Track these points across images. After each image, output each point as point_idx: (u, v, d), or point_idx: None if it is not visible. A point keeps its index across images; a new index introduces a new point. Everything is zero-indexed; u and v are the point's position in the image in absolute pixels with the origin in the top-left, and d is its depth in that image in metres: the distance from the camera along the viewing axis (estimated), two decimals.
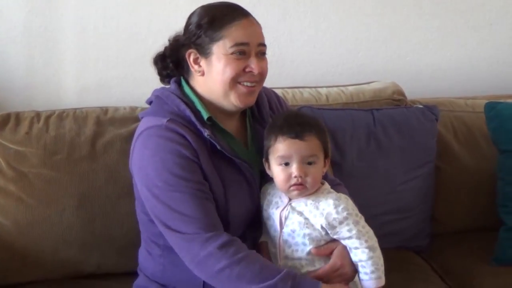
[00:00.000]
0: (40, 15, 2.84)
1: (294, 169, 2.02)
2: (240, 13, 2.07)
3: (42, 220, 2.41)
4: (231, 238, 1.96)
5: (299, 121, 2.06)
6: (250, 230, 2.19)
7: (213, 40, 2.04)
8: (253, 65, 2.05)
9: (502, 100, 2.90)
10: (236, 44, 2.03)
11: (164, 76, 2.21)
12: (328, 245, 2.06)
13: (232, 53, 2.03)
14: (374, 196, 2.63)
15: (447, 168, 2.88)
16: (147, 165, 2.03)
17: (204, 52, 2.06)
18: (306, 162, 2.03)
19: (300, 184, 2.02)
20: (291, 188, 2.03)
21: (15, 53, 2.86)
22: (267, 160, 2.09)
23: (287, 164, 2.03)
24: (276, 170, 2.05)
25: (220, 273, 1.93)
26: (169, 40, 2.18)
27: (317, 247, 2.05)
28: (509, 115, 2.76)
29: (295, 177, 2.01)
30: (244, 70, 2.05)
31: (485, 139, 2.87)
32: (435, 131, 2.81)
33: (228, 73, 2.04)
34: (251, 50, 2.05)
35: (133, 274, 2.31)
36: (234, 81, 2.05)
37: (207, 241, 1.94)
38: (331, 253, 2.06)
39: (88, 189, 2.45)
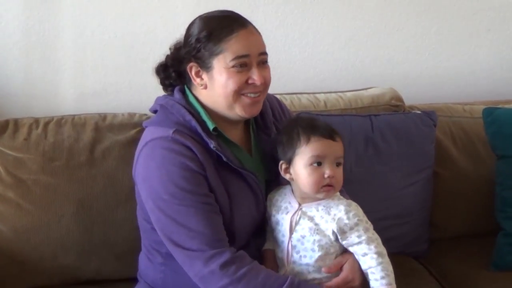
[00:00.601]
0: (39, 22, 2.84)
1: (327, 169, 2.02)
2: (238, 24, 2.03)
3: (40, 226, 2.42)
4: (234, 256, 1.96)
5: (324, 123, 2.08)
6: (254, 237, 2.19)
7: (213, 54, 2.02)
8: (255, 76, 2.03)
9: (500, 106, 2.91)
10: (237, 57, 2.00)
11: (167, 85, 2.20)
12: (338, 260, 2.07)
13: (233, 66, 2.00)
14: (372, 201, 2.61)
15: (445, 173, 2.88)
16: (152, 177, 2.02)
17: (205, 66, 2.04)
18: (336, 163, 2.04)
19: (331, 185, 2.03)
20: (322, 189, 2.03)
21: (13, 60, 2.86)
22: (289, 162, 2.08)
23: (319, 164, 2.03)
24: (306, 171, 2.04)
25: None
26: (170, 49, 2.17)
27: (328, 266, 2.05)
28: (507, 121, 2.76)
29: (329, 177, 2.02)
30: (246, 82, 2.03)
31: (483, 145, 2.87)
32: (433, 137, 2.81)
33: (231, 86, 2.02)
34: (252, 61, 2.03)
35: (132, 280, 2.31)
36: (237, 94, 2.04)
37: (210, 259, 1.95)
38: (341, 268, 2.07)
39: (87, 196, 2.46)
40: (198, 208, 1.98)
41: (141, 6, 2.91)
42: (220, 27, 2.02)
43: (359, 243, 2.03)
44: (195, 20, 2.11)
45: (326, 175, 2.01)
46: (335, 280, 2.04)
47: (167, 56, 2.17)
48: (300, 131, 2.05)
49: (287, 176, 2.10)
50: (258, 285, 1.93)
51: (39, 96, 2.91)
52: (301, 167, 2.04)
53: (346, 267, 2.06)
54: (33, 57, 2.88)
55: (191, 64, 2.06)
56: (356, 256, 2.06)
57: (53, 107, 2.88)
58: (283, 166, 2.09)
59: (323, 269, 2.05)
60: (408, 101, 2.99)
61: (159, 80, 2.20)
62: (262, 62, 2.07)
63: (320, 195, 2.05)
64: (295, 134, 2.05)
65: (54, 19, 2.86)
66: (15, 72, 2.87)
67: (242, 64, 2.01)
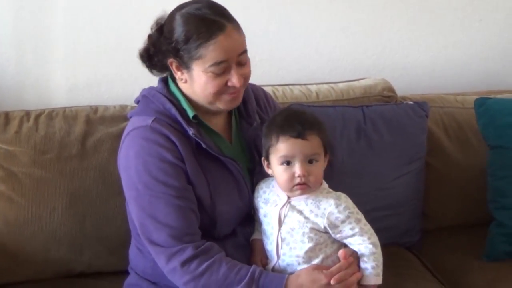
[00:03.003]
0: (30, 14, 2.83)
1: (297, 168, 2.01)
2: (216, 28, 1.98)
3: (32, 219, 2.41)
4: (196, 252, 1.98)
5: (300, 119, 2.04)
6: (241, 226, 2.19)
7: (191, 58, 2.00)
8: (234, 79, 2.02)
9: (492, 96, 2.90)
10: (215, 64, 1.99)
11: (153, 69, 2.18)
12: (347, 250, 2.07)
13: (211, 72, 2.00)
14: (364, 192, 2.63)
15: (438, 164, 2.89)
16: (130, 167, 2.04)
17: (184, 65, 2.04)
18: (308, 161, 2.02)
19: (304, 183, 2.02)
20: (294, 187, 2.03)
21: (4, 53, 2.84)
22: (267, 159, 2.09)
23: (289, 163, 2.02)
24: (278, 170, 2.04)
25: (186, 285, 1.99)
26: (151, 29, 2.13)
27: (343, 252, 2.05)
28: (498, 111, 2.76)
29: (299, 176, 2.01)
30: (226, 84, 2.03)
31: (475, 135, 2.87)
32: (425, 127, 2.81)
33: (209, 90, 2.03)
34: (231, 64, 2.02)
35: (124, 273, 2.32)
36: (217, 95, 2.05)
37: (172, 256, 1.98)
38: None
39: (79, 188, 2.46)
40: (169, 200, 2.00)
41: (130, 1, 2.91)
42: (197, 32, 1.98)
43: (353, 235, 2.03)
44: (175, 14, 2.06)
45: (296, 175, 2.01)
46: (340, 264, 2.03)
47: (150, 37, 2.13)
48: (273, 130, 2.04)
49: (269, 172, 2.10)
50: (220, 279, 1.96)
51: (30, 88, 2.90)
52: (275, 165, 2.05)
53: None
54: (24, 49, 2.86)
55: (171, 60, 2.06)
56: (351, 247, 2.06)
57: (44, 100, 2.87)
58: (265, 162, 2.10)
59: (340, 252, 2.04)
60: (400, 92, 2.99)
61: (144, 66, 2.18)
62: (243, 62, 2.06)
63: (294, 194, 2.06)
64: (269, 133, 2.05)
65: (46, 11, 2.84)
66: (5, 64, 2.86)
67: (221, 70, 2.01)
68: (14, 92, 2.88)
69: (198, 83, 2.04)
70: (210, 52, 1.98)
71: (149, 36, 2.14)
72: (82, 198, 2.46)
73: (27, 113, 2.54)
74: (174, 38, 2.02)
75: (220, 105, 2.08)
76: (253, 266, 2.01)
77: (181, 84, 2.12)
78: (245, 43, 2.07)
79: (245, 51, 2.06)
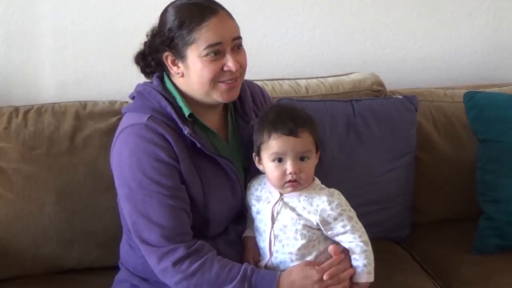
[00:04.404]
0: (18, 10, 2.82)
1: (288, 165, 2.01)
2: (209, 12, 2.02)
3: (21, 215, 2.41)
4: (187, 252, 1.98)
5: (292, 116, 2.04)
6: (233, 224, 2.20)
7: (186, 43, 2.01)
8: (230, 63, 2.02)
9: (481, 90, 2.91)
10: (209, 46, 2.00)
11: (148, 73, 2.19)
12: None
13: (206, 55, 2.00)
14: (354, 187, 2.63)
15: (427, 158, 2.89)
16: (124, 164, 2.03)
17: (179, 55, 2.04)
18: (300, 158, 2.02)
19: (295, 181, 2.02)
20: (286, 184, 2.03)
21: None
22: (258, 155, 2.08)
23: (280, 160, 2.02)
24: (270, 167, 2.04)
25: (178, 284, 1.99)
26: (147, 36, 2.16)
27: (333, 247, 2.05)
28: (487, 105, 2.77)
29: (290, 174, 2.01)
30: (222, 69, 2.03)
31: (464, 129, 2.88)
32: (415, 121, 2.81)
33: (206, 75, 2.02)
34: (226, 47, 2.02)
35: (115, 268, 2.32)
36: (214, 82, 2.04)
37: (164, 256, 1.98)
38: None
39: (68, 184, 2.45)
40: (162, 200, 1.99)
41: None
42: (190, 16, 2.01)
43: (344, 232, 2.03)
44: (167, 8, 2.10)
45: (287, 172, 2.01)
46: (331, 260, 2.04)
47: (145, 43, 2.16)
48: (264, 127, 2.04)
49: (260, 168, 2.10)
50: (212, 278, 1.96)
51: (19, 84, 2.89)
52: (266, 162, 2.05)
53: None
54: (12, 46, 2.86)
55: (166, 53, 2.07)
56: (342, 244, 2.06)
57: (33, 96, 2.87)
58: (256, 158, 2.10)
59: (330, 248, 2.04)
60: (389, 86, 3.00)
61: (139, 69, 2.19)
62: (237, 46, 2.06)
63: (285, 190, 2.06)
64: (261, 129, 2.05)
65: (34, 7, 2.84)
66: None
67: (216, 52, 2.01)
68: (2, 88, 2.88)
69: (194, 71, 2.03)
70: (204, 35, 1.99)
71: (145, 42, 2.16)
72: (72, 194, 2.45)
73: (16, 109, 2.54)
74: (168, 27, 2.04)
75: (217, 96, 2.07)
76: (245, 264, 2.01)
77: (177, 79, 2.11)
78: (239, 31, 2.08)
79: (239, 38, 2.07)
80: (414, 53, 3.31)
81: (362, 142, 2.72)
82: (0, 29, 2.83)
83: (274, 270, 2.05)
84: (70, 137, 2.50)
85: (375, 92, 2.92)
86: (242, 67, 2.08)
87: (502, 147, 2.69)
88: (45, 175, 2.44)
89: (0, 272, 2.44)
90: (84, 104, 2.60)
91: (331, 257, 2.04)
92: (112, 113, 2.54)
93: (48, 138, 2.48)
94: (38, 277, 2.47)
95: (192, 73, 2.04)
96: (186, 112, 2.07)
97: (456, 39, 3.35)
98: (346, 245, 2.05)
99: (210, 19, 2.00)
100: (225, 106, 2.22)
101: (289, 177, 2.01)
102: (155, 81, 2.14)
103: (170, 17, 2.05)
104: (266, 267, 2.09)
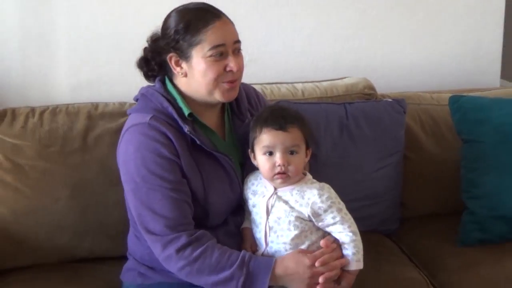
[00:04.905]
0: (35, 17, 2.83)
1: (277, 158, 2.02)
2: (213, 15, 2.04)
3: (37, 208, 2.41)
4: (190, 239, 1.98)
5: (283, 114, 2.05)
6: (232, 216, 2.20)
7: (191, 44, 2.02)
8: (232, 64, 2.04)
9: (465, 94, 2.91)
10: (214, 47, 2.01)
11: (150, 77, 2.20)
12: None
13: (210, 56, 2.01)
14: (347, 184, 2.63)
15: (415, 157, 2.88)
16: (129, 161, 2.04)
17: (184, 55, 2.05)
18: (289, 152, 2.03)
19: (284, 172, 2.02)
20: (275, 176, 2.03)
21: (11, 53, 2.85)
22: (253, 150, 2.09)
23: (271, 153, 2.03)
24: (261, 160, 2.05)
25: (181, 270, 1.99)
26: (147, 41, 2.16)
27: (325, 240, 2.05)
28: (471, 108, 2.77)
29: (279, 165, 2.01)
30: (224, 69, 2.04)
31: (449, 130, 2.87)
32: (403, 123, 2.81)
33: (210, 75, 2.03)
34: (228, 49, 2.04)
35: (123, 258, 2.32)
36: (216, 81, 2.05)
37: (168, 244, 1.99)
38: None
39: (81, 180, 2.45)
40: (165, 193, 2.00)
41: (130, 4, 2.92)
42: (197, 19, 2.02)
43: (334, 223, 2.04)
44: (171, 13, 2.11)
45: (277, 164, 2.02)
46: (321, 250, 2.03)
47: (146, 49, 2.17)
48: (258, 123, 2.06)
49: (255, 163, 2.11)
50: (213, 263, 1.97)
51: (35, 86, 2.90)
52: (258, 155, 2.07)
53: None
54: (29, 51, 2.87)
55: (170, 54, 2.07)
56: (333, 234, 2.06)
57: (48, 97, 2.87)
58: (251, 154, 2.11)
59: (321, 242, 2.04)
60: (380, 89, 2.99)
61: (142, 73, 2.20)
62: (237, 50, 2.08)
63: (275, 182, 2.07)
64: (255, 126, 2.07)
65: (50, 15, 2.85)
66: (12, 64, 2.87)
67: (219, 53, 2.02)
68: (20, 90, 2.89)
69: (197, 71, 2.04)
70: (209, 36, 2.00)
71: (145, 48, 2.17)
72: (84, 189, 2.45)
73: (32, 110, 2.54)
74: (173, 30, 2.05)
75: (218, 96, 2.07)
76: (243, 251, 2.01)
77: (180, 80, 2.11)
78: (238, 35, 2.09)
79: (239, 41, 2.08)
80: (403, 59, 3.32)
81: (354, 142, 2.72)
82: (18, 36, 2.84)
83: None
84: (83, 136, 2.49)
85: (366, 96, 2.92)
86: (240, 70, 2.09)
87: (484, 147, 2.69)
88: (59, 171, 2.44)
89: (18, 260, 2.45)
90: (95, 105, 2.59)
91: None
92: (121, 113, 2.54)
93: (62, 136, 2.48)
94: (53, 265, 2.47)
95: (196, 73, 2.05)
96: (186, 111, 2.08)
97: (442, 47, 3.36)
98: (336, 235, 2.05)
99: (215, 22, 2.02)
100: (222, 106, 2.23)
101: (278, 169, 2.02)
102: (157, 84, 2.15)
103: (175, 20, 2.06)
104: (262, 256, 2.09)
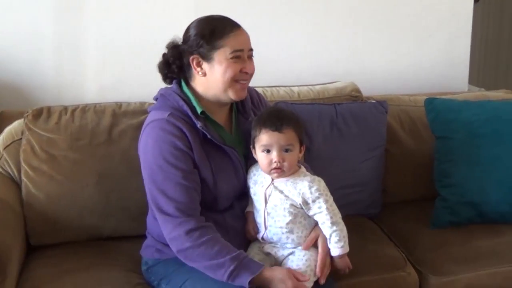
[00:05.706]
0: (67, 28, 2.85)
1: (274, 155, 2.04)
2: (234, 25, 2.08)
3: (69, 193, 2.42)
4: (199, 225, 1.99)
5: (279, 116, 2.07)
6: (238, 200, 2.21)
7: (214, 48, 2.05)
8: (248, 66, 2.08)
9: (438, 97, 2.90)
10: (235, 51, 2.05)
11: (168, 78, 2.21)
12: (311, 236, 2.09)
13: (231, 58, 2.05)
14: (336, 173, 2.63)
15: (395, 151, 2.88)
16: (148, 151, 2.06)
17: (206, 57, 2.07)
18: (284, 150, 2.04)
19: (279, 168, 2.04)
20: (272, 171, 2.06)
21: (47, 59, 2.86)
22: (254, 147, 2.11)
23: (268, 151, 2.05)
24: (260, 156, 2.07)
25: (185, 251, 1.98)
26: (167, 47, 2.18)
27: (305, 243, 2.07)
28: (443, 109, 2.77)
29: (275, 162, 2.03)
30: (240, 71, 2.07)
31: (425, 128, 2.86)
32: (385, 121, 2.81)
33: (229, 74, 2.06)
34: (244, 54, 2.08)
35: (143, 237, 2.32)
36: (233, 80, 2.07)
37: (179, 225, 1.98)
38: (314, 241, 2.09)
39: (106, 169, 2.46)
40: (178, 181, 2.01)
41: (149, 17, 2.93)
42: (222, 27, 2.06)
43: (320, 213, 2.06)
44: (193, 22, 2.13)
45: (273, 160, 2.04)
46: (320, 255, 2.05)
47: (165, 54, 2.18)
48: (257, 124, 2.07)
49: (255, 158, 2.12)
50: (213, 253, 1.95)
51: (67, 88, 2.91)
52: (258, 152, 2.08)
53: (321, 242, 2.08)
54: (63, 57, 2.88)
55: (193, 56, 2.09)
56: (318, 222, 2.08)
57: (78, 97, 2.88)
58: (253, 150, 2.12)
59: (302, 247, 2.06)
60: (365, 92, 2.98)
61: (162, 76, 2.21)
62: (250, 56, 2.12)
63: (272, 175, 2.08)
64: (255, 126, 2.08)
65: (80, 26, 2.86)
66: (48, 68, 2.88)
67: (238, 56, 2.06)
68: (54, 91, 2.90)
69: (218, 71, 2.06)
70: (231, 41, 2.04)
71: (164, 54, 2.18)
72: (109, 177, 2.45)
73: (65, 108, 2.54)
74: (199, 35, 2.07)
75: (231, 94, 2.10)
76: (241, 251, 2.00)
77: (198, 80, 2.12)
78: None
79: (252, 49, 2.12)
80: (386, 66, 3.31)
81: (343, 138, 2.72)
82: (53, 44, 2.86)
83: (269, 244, 2.09)
84: (108, 131, 2.50)
85: (353, 98, 2.91)
86: (253, 73, 2.13)
87: (454, 143, 2.69)
88: (88, 161, 2.45)
89: (53, 238, 2.46)
90: (119, 105, 2.60)
91: (314, 233, 2.09)
92: (142, 111, 2.53)
93: (91, 131, 2.48)
94: (82, 242, 2.48)
95: (215, 72, 2.07)
96: (199, 110, 2.10)
97: (419, 56, 3.35)
98: (320, 225, 2.07)
99: (236, 30, 2.07)
100: (231, 105, 2.24)
101: (274, 165, 2.04)
102: (174, 86, 2.16)
103: (200, 27, 2.09)
104: (263, 238, 2.12)
